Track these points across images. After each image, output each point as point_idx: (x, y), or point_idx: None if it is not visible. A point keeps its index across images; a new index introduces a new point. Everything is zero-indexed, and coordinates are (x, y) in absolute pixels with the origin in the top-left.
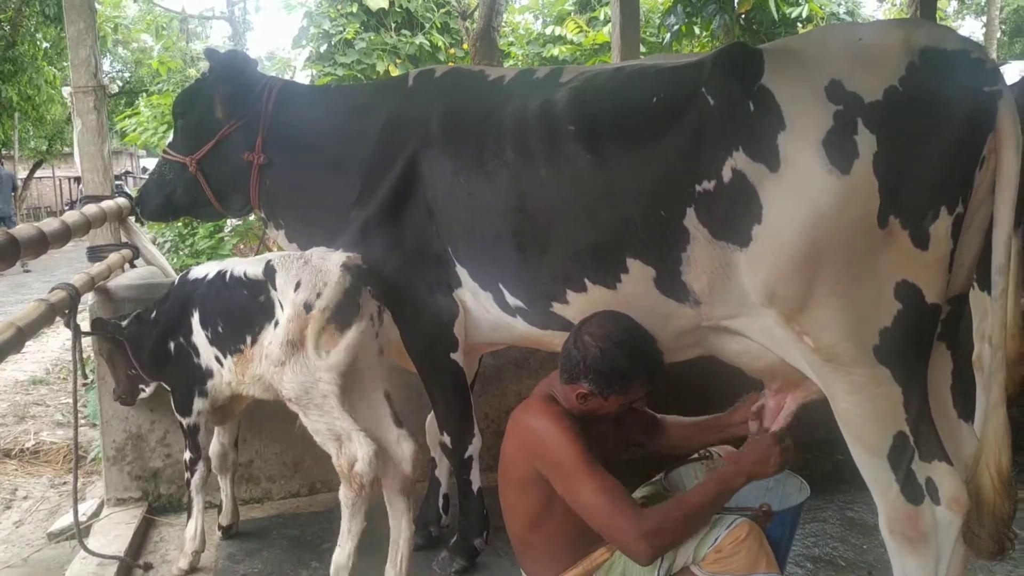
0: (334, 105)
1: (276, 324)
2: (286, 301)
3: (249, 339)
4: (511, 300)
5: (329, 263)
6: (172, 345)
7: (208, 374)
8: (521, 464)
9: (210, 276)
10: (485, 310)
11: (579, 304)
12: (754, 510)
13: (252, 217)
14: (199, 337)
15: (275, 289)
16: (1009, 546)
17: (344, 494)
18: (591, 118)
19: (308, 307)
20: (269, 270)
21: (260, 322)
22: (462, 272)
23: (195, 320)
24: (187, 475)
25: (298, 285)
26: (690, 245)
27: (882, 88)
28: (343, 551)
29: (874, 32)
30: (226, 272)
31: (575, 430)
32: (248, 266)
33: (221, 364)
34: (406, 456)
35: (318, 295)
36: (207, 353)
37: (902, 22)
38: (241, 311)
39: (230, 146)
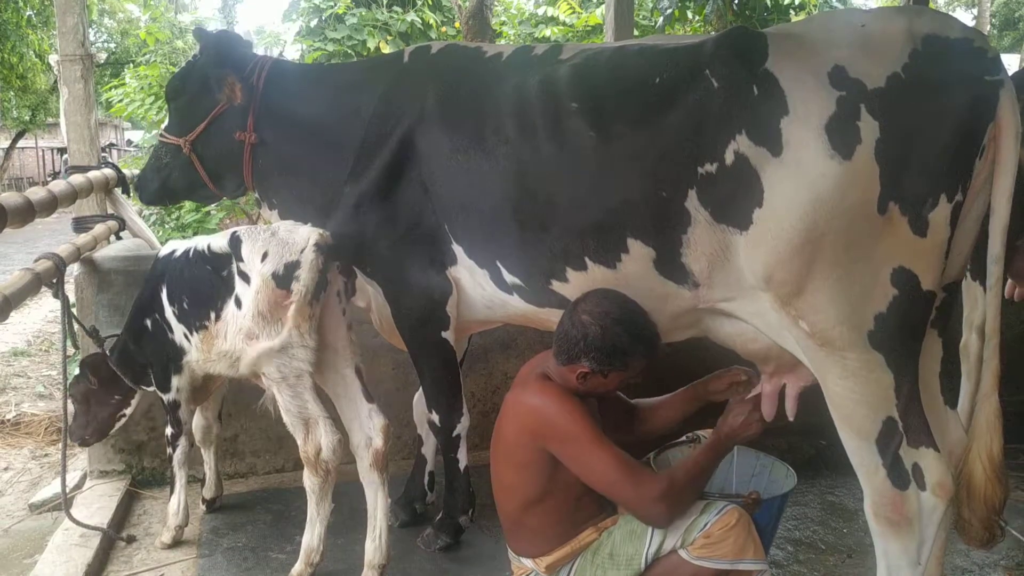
0: (326, 82)
1: (236, 299)
2: (253, 272)
3: (213, 315)
4: (508, 277)
5: (297, 235)
6: (148, 322)
7: (182, 351)
8: (524, 445)
9: (178, 252)
10: (480, 287)
11: (578, 282)
12: (743, 497)
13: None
14: (169, 313)
15: (241, 260)
16: (1000, 535)
17: (309, 480)
18: (594, 96)
19: (276, 277)
20: (235, 241)
21: (224, 296)
22: (458, 250)
23: (164, 296)
24: (169, 450)
25: (265, 255)
26: (691, 227)
27: (885, 75)
28: (312, 534)
29: (877, 19)
30: (191, 247)
31: (579, 406)
32: (213, 240)
33: (189, 341)
34: (377, 429)
35: (285, 265)
36: (178, 330)
37: (905, 9)
38: (205, 286)
39: (222, 126)
